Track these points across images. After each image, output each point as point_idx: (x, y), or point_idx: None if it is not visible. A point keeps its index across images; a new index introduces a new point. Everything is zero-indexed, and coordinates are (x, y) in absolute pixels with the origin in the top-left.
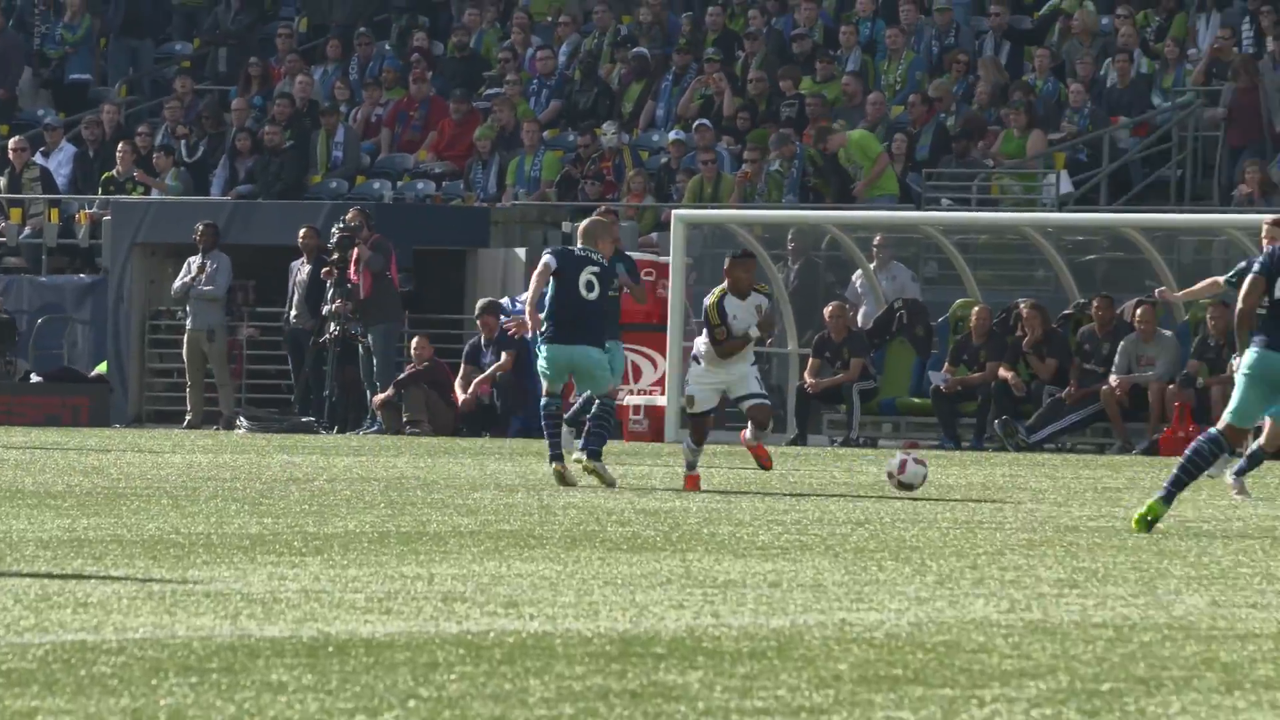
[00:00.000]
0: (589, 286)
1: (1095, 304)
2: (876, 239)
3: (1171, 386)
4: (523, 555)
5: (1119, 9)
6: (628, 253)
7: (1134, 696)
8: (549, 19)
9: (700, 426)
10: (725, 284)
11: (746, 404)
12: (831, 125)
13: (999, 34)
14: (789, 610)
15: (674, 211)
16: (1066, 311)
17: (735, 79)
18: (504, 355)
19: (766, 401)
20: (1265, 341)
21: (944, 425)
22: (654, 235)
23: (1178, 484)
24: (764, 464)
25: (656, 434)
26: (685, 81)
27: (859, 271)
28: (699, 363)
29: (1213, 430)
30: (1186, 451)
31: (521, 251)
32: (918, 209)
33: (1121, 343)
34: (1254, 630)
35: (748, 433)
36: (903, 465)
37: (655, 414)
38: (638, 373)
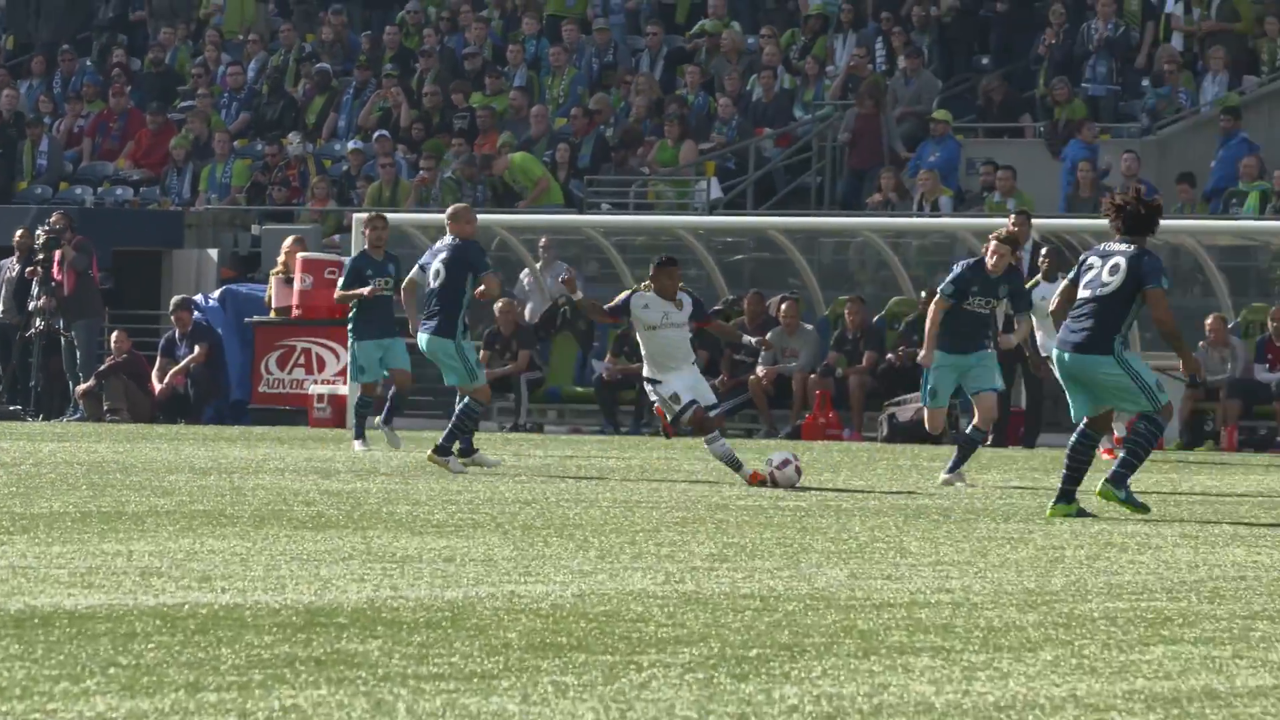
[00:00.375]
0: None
1: (747, 300)
2: (542, 240)
3: (813, 376)
4: (215, 533)
5: (763, 29)
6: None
7: (779, 661)
8: (239, 37)
9: (703, 424)
10: (649, 285)
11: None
12: (499, 147)
13: (654, 52)
14: (462, 583)
15: (355, 215)
16: (717, 307)
17: (411, 93)
18: (197, 348)
19: (722, 413)
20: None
21: (605, 412)
22: (336, 237)
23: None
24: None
25: (339, 420)
26: (365, 95)
27: (526, 270)
28: (656, 380)
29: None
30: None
31: (213, 252)
32: (580, 213)
33: (768, 335)
34: (888, 600)
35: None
36: (784, 463)
37: (338, 402)
38: (321, 364)
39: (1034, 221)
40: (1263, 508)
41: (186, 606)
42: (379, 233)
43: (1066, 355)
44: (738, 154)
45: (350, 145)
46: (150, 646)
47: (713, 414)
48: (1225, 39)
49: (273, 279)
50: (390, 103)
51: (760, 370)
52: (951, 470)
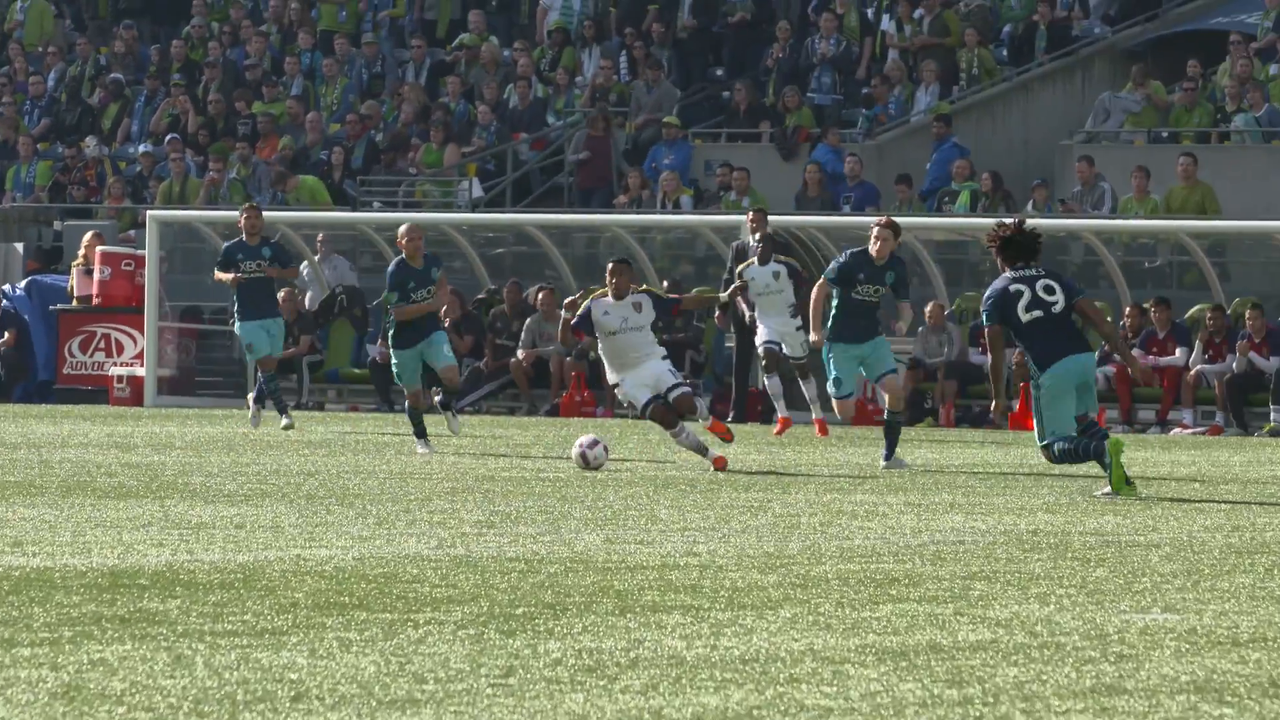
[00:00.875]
0: None
1: (507, 289)
2: (320, 235)
3: (569, 359)
4: (25, 502)
5: (516, 43)
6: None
7: (544, 619)
8: (39, 49)
9: (664, 415)
10: (604, 290)
11: (673, 395)
12: (280, 148)
13: (419, 64)
14: (253, 548)
15: (149, 212)
16: (480, 296)
17: (197, 101)
18: (5, 333)
19: (688, 389)
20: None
21: (379, 392)
22: (132, 232)
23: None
24: (724, 438)
25: (137, 399)
26: (155, 103)
27: (305, 262)
28: (617, 382)
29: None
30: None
31: (19, 246)
32: (354, 210)
33: (527, 321)
34: (642, 563)
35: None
36: (593, 443)
37: (136, 383)
38: (120, 348)
39: (769, 217)
40: (978, 478)
41: (0, 570)
42: (254, 221)
43: (1082, 356)
44: (497, 157)
45: (142, 148)
46: None
47: (676, 392)
48: (936, 52)
49: (74, 270)
50: (178, 110)
51: (521, 354)
52: (888, 458)
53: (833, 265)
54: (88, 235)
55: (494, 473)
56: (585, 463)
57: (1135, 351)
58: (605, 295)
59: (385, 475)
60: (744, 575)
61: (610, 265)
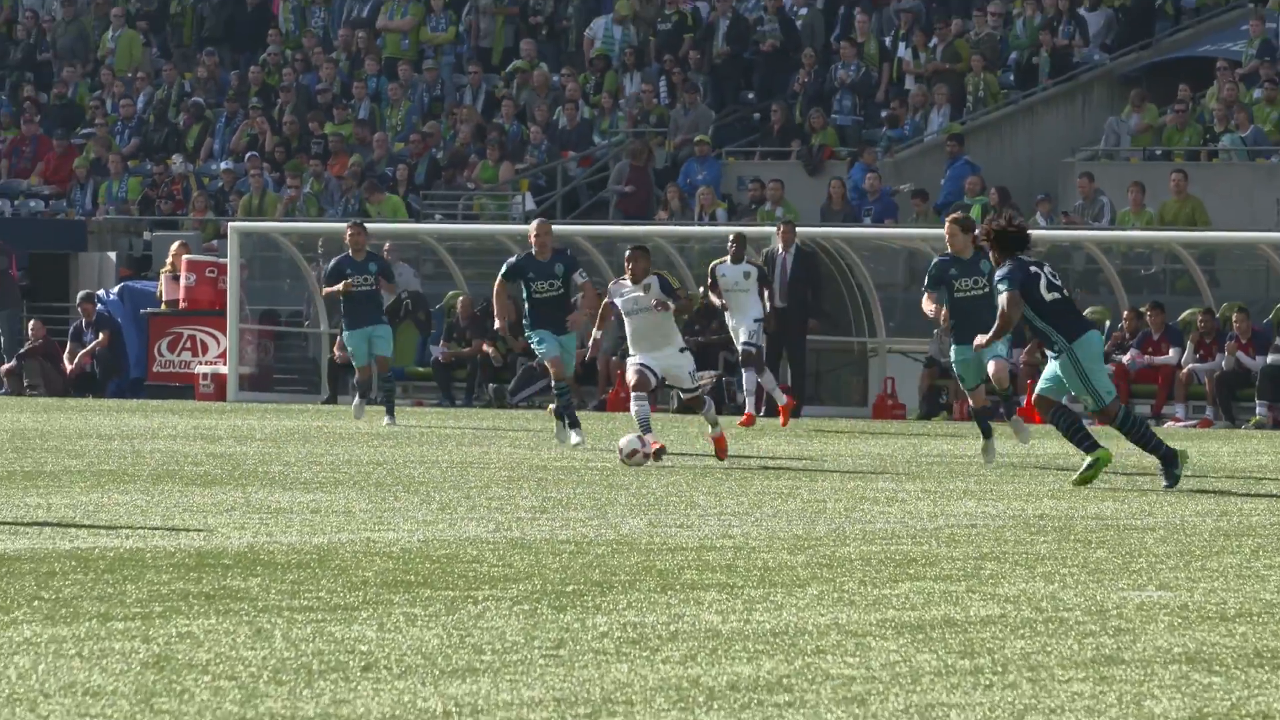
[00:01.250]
0: None
1: None
2: (386, 245)
3: (614, 358)
4: (119, 489)
5: (564, 69)
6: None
7: (592, 595)
8: (128, 75)
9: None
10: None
11: (684, 396)
12: (350, 165)
13: (475, 88)
14: (326, 531)
15: (230, 224)
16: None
17: (274, 121)
18: (100, 335)
19: (695, 392)
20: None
21: (442, 388)
22: (215, 242)
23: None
24: (719, 454)
25: (220, 394)
26: (235, 123)
27: None
28: (637, 354)
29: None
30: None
31: (112, 254)
32: (417, 222)
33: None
34: (681, 545)
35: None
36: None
37: (219, 380)
38: (205, 347)
39: (797, 229)
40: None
41: (97, 550)
42: (358, 238)
43: (1096, 334)
44: (547, 173)
45: (224, 165)
46: (67, 583)
47: (688, 394)
48: (948, 77)
49: (163, 276)
50: (256, 130)
51: None
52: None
53: (927, 275)
54: (175, 245)
55: (546, 463)
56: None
57: (1132, 353)
58: (625, 279)
59: (447, 465)
60: (774, 556)
61: (628, 251)
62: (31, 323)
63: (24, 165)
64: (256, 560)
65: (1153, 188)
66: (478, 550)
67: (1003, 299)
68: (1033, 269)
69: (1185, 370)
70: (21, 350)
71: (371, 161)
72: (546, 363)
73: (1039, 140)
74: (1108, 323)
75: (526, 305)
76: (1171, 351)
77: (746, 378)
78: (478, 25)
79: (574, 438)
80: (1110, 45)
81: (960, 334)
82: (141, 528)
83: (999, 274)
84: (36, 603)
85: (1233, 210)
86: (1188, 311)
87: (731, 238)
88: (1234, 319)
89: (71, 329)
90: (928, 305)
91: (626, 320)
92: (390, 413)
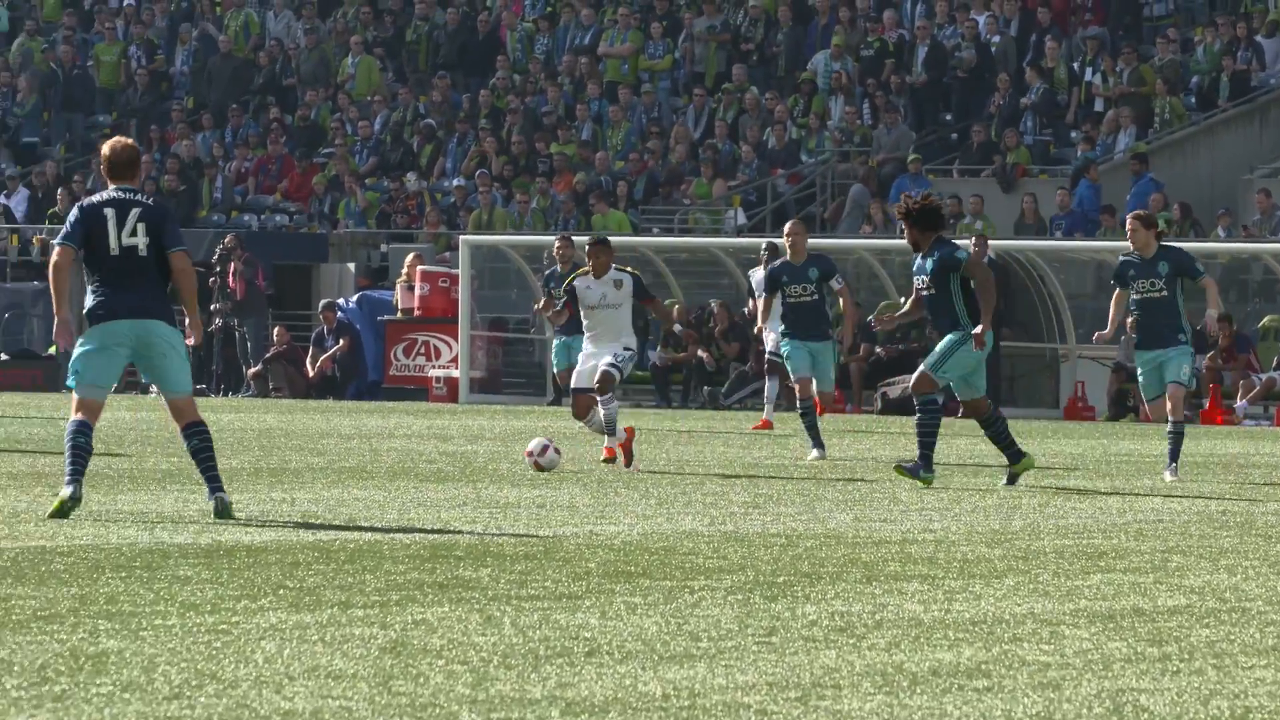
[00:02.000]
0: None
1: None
2: None
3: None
4: (358, 485)
5: (773, 92)
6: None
7: (801, 586)
8: (366, 98)
9: (581, 403)
10: (587, 269)
11: (597, 374)
12: (574, 183)
13: (699, 111)
14: (552, 524)
15: (461, 237)
16: (747, 309)
17: (502, 141)
18: (341, 340)
19: (610, 370)
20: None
21: (659, 391)
22: (447, 254)
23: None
24: (608, 456)
25: (453, 397)
26: (466, 143)
27: None
28: (586, 346)
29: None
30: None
31: (351, 265)
32: (636, 235)
33: None
34: (885, 538)
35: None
36: (544, 449)
37: (452, 383)
38: (438, 352)
39: (990, 242)
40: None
41: (337, 542)
42: (566, 250)
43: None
44: (758, 189)
45: (455, 182)
46: (310, 573)
47: (600, 370)
48: (1133, 100)
49: (398, 286)
50: (485, 149)
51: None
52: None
53: (1116, 275)
54: (410, 256)
55: (758, 461)
56: (538, 468)
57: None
58: (588, 273)
59: (665, 462)
60: (973, 549)
61: (588, 246)
62: (276, 329)
63: (269, 183)
64: (486, 551)
65: None
66: (694, 543)
67: (987, 281)
68: (960, 254)
69: None
70: (267, 355)
71: (595, 180)
72: (795, 383)
73: (1219, 158)
74: None
75: (782, 309)
76: None
77: (769, 386)
78: (692, 51)
79: (813, 454)
80: None
81: (1140, 339)
82: (379, 521)
83: (950, 249)
84: (281, 591)
85: None
86: None
87: (764, 246)
88: None
89: (313, 335)
90: (1114, 306)
91: (590, 313)
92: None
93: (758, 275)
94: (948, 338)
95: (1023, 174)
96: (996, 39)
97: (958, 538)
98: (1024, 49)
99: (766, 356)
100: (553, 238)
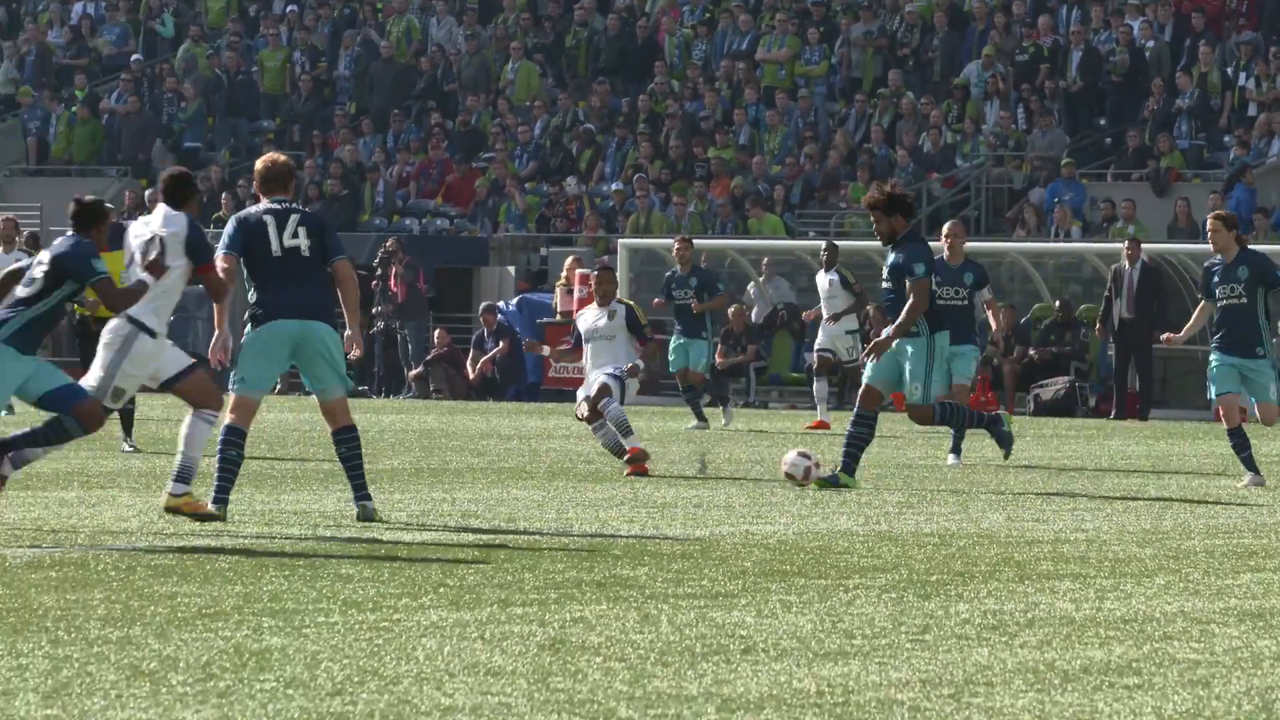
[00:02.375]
0: None
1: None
2: (764, 260)
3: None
4: (518, 485)
5: (928, 97)
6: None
7: (954, 585)
8: (526, 103)
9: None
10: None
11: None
12: (731, 187)
13: (859, 117)
14: (708, 524)
15: (620, 240)
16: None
17: (659, 146)
18: (501, 343)
19: (609, 381)
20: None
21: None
22: (606, 257)
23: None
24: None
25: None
26: (625, 148)
27: (752, 283)
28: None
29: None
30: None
31: (511, 269)
32: (792, 238)
33: None
34: (1038, 538)
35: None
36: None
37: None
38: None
39: (1143, 245)
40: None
41: (497, 541)
42: (685, 251)
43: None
44: (914, 193)
45: (614, 186)
46: (470, 571)
47: (600, 381)
48: None
49: (557, 289)
50: (644, 154)
51: None
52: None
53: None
54: (569, 259)
55: (911, 461)
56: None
57: None
58: (592, 302)
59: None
60: (1124, 548)
61: (596, 271)
62: (437, 332)
63: (430, 187)
64: (644, 550)
65: None
66: (848, 542)
67: (918, 285)
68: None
69: None
70: (428, 357)
71: (752, 183)
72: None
73: None
74: None
75: None
76: None
77: (818, 385)
78: (849, 57)
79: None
80: None
81: (1220, 343)
82: (538, 520)
83: (909, 255)
84: (442, 589)
85: None
86: None
87: (824, 247)
88: None
89: (474, 337)
90: (1197, 314)
91: (586, 344)
92: (698, 416)
93: (822, 280)
94: (910, 364)
95: (1176, 178)
96: (1150, 44)
97: (1109, 537)
98: (1178, 54)
99: (817, 354)
100: (709, 242)
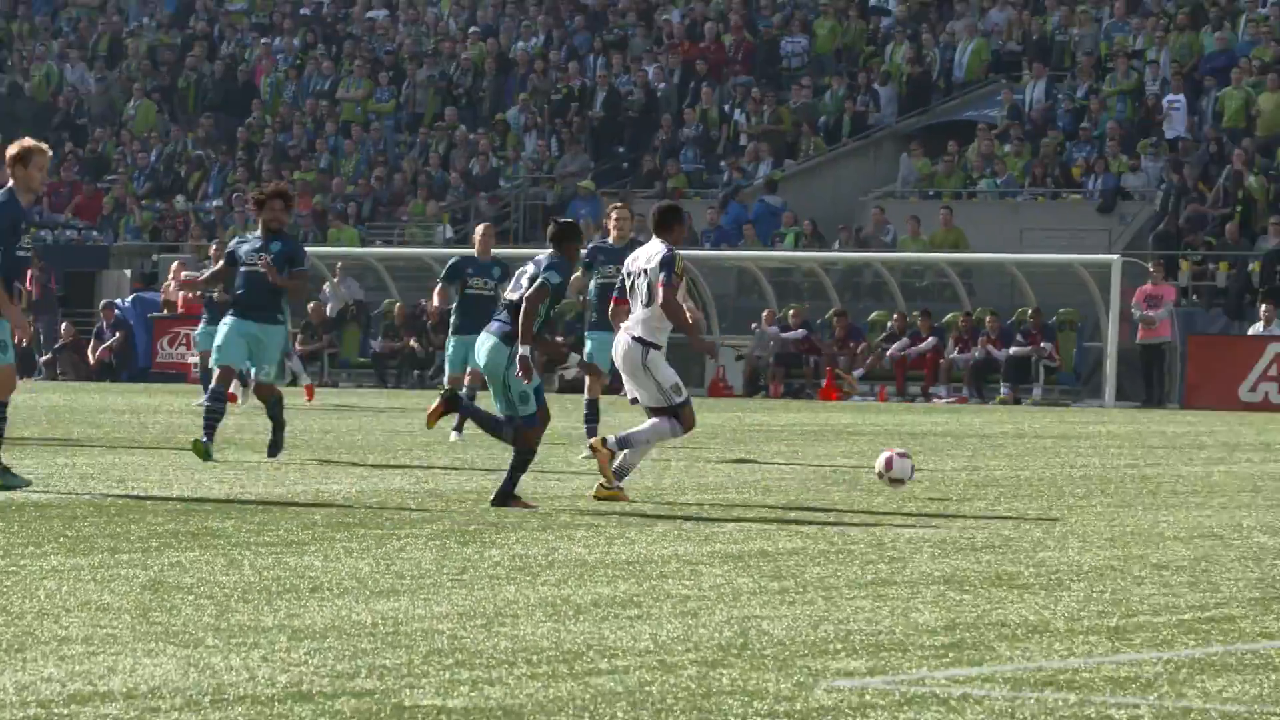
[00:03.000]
0: None
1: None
2: (338, 263)
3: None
4: (129, 452)
5: (475, 131)
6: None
7: (488, 534)
8: (145, 134)
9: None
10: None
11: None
12: (313, 204)
13: (421, 146)
14: (286, 484)
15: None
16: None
17: (255, 170)
18: (118, 334)
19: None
20: None
21: (378, 374)
22: (207, 262)
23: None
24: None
25: (209, 379)
26: (225, 171)
27: (327, 283)
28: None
29: None
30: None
31: (128, 272)
32: (364, 246)
33: None
34: (557, 494)
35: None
36: (889, 463)
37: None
38: (192, 342)
39: None
40: None
41: (108, 499)
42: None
43: None
44: (464, 209)
45: (215, 203)
46: (85, 524)
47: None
48: (771, 136)
49: (165, 289)
50: (240, 176)
51: None
52: None
53: None
54: (174, 264)
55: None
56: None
57: (903, 342)
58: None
59: (381, 434)
60: (631, 504)
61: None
62: (64, 324)
63: (62, 203)
64: (231, 506)
65: (926, 220)
66: (402, 499)
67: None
68: None
69: (947, 359)
70: (56, 345)
71: (331, 200)
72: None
73: (841, 183)
74: (889, 321)
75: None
76: (929, 340)
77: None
78: (414, 96)
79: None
80: (895, 110)
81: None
82: (144, 482)
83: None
84: (61, 539)
85: (986, 238)
86: (950, 315)
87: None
88: (986, 320)
89: (95, 329)
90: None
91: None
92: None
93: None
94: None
95: (680, 195)
96: (662, 85)
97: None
98: (684, 93)
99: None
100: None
